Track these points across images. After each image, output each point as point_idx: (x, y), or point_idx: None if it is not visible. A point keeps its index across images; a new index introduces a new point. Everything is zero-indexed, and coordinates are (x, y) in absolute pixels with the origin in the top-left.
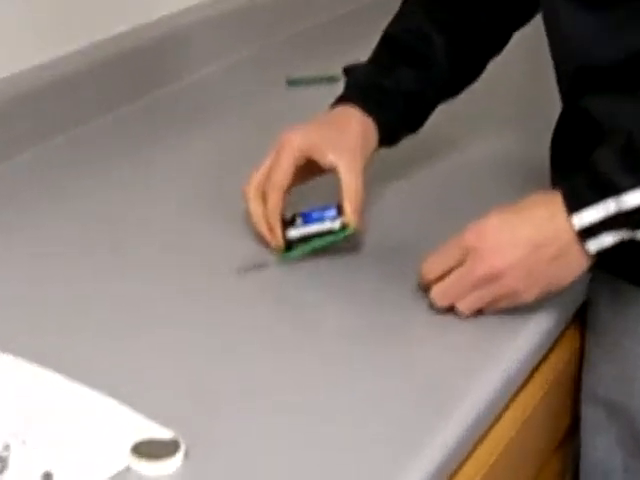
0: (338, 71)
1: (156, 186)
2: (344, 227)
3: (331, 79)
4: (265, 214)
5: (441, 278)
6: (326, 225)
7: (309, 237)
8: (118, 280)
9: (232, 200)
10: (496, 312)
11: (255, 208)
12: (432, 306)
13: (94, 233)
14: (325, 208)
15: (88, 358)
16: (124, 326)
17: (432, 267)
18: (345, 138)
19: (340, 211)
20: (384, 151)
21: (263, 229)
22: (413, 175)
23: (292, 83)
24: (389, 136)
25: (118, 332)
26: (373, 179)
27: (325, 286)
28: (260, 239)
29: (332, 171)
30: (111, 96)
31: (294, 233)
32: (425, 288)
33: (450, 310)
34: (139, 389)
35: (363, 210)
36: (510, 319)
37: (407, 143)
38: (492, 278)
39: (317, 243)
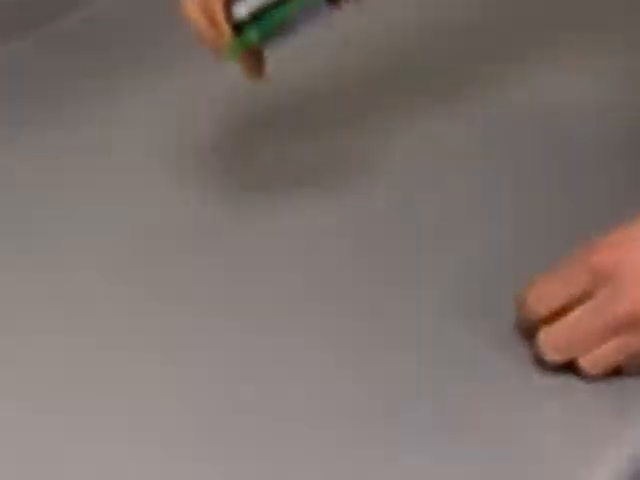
0: None
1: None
2: None
3: None
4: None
5: (556, 316)
6: None
7: (269, 9)
8: None
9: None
10: None
11: None
12: (539, 360)
13: None
14: None
15: None
16: None
17: (543, 297)
18: None
19: None
20: (409, 80)
21: (201, 23)
22: (488, 122)
23: None
24: None
25: None
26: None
27: (328, 315)
28: (202, 45)
29: None
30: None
31: (242, 10)
32: (530, 329)
33: (569, 366)
34: None
35: None
36: None
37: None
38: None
39: (283, 12)
